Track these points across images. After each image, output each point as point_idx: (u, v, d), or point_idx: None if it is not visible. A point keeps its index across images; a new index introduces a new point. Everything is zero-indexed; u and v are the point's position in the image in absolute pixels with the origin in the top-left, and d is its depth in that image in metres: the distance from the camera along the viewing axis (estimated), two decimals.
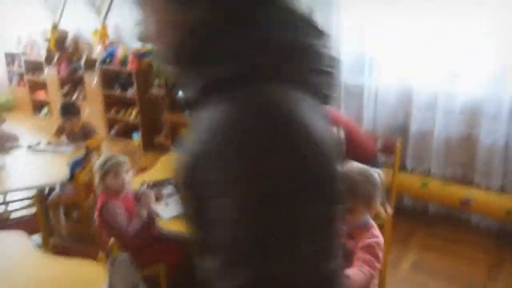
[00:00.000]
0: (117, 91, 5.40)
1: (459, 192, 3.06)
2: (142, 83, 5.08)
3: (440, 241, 3.04)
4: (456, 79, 3.00)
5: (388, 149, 2.93)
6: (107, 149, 5.42)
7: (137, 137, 5.41)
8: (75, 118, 3.52)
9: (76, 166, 3.02)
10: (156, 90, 5.00)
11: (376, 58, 3.32)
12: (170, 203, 2.21)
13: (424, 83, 3.13)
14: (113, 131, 5.71)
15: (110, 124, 5.70)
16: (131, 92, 5.21)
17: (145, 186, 2.43)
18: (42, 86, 6.60)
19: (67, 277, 1.77)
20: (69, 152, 3.25)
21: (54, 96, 6.34)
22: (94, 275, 1.72)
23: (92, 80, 5.57)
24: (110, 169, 2.17)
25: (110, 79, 5.49)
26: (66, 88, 6.23)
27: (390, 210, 2.20)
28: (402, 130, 3.31)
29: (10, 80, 7.27)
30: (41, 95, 6.76)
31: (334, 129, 1.97)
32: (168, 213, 2.12)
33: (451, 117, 3.07)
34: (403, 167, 3.27)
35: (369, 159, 2.54)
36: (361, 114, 3.47)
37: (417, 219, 3.30)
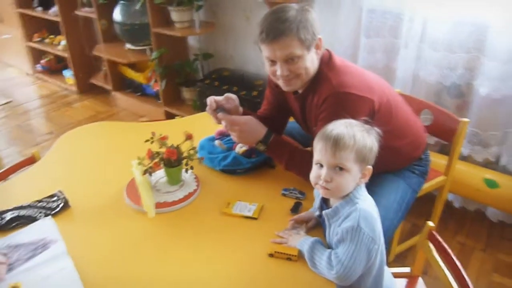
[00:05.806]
0: (38, 10, 3.85)
1: None
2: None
3: None
4: None
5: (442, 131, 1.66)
6: (34, 91, 4.02)
7: (69, 74, 3.98)
8: None
9: None
10: (86, 10, 3.49)
11: None
12: None
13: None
14: (39, 66, 4.26)
15: (36, 55, 4.23)
16: (54, 11, 3.69)
17: None
18: None
19: None
20: None
21: None
22: None
23: None
24: None
25: None
26: None
27: None
28: (461, 94, 2.01)
29: None
30: None
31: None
32: None
33: None
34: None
35: (419, 155, 1.48)
36: (393, 64, 2.14)
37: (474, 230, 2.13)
